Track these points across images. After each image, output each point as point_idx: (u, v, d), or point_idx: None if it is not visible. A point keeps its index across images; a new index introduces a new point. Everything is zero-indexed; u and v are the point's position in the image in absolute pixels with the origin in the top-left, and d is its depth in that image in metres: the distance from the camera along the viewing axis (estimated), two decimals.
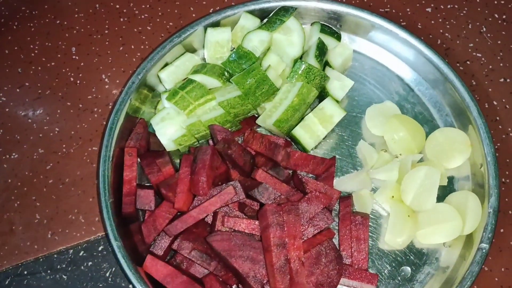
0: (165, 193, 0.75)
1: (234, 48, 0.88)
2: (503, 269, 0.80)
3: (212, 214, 0.75)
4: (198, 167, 0.74)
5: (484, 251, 0.74)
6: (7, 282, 0.78)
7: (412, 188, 0.79)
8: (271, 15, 0.88)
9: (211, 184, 0.74)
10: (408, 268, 0.79)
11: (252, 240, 0.72)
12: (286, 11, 0.87)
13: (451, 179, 0.83)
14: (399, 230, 0.78)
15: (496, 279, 0.80)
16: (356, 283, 0.75)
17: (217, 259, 0.72)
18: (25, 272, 0.79)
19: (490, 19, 0.97)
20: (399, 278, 0.78)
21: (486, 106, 0.90)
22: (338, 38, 0.88)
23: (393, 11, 0.97)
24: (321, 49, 0.85)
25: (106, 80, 0.91)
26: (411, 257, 0.79)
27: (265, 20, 0.88)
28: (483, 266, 0.79)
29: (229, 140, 0.77)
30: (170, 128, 0.82)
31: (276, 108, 0.81)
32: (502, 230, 0.82)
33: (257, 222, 0.72)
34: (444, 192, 0.82)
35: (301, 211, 0.73)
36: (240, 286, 0.74)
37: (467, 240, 0.78)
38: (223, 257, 0.70)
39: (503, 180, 0.85)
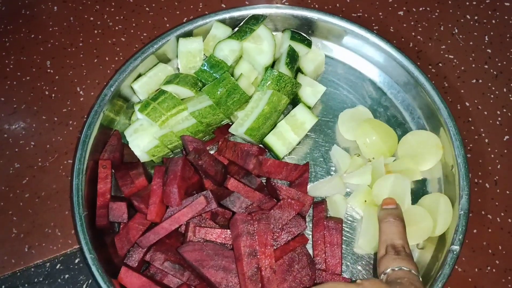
0: (137, 205, 0.75)
1: (206, 58, 0.88)
2: (476, 270, 0.81)
3: (185, 224, 0.76)
4: (170, 178, 0.74)
5: (455, 253, 0.75)
6: None
7: (383, 193, 0.80)
8: (241, 24, 0.89)
9: (183, 194, 0.75)
10: None
11: (224, 249, 0.72)
12: (256, 19, 0.87)
13: (424, 181, 0.84)
14: (372, 234, 0.79)
15: (470, 279, 0.80)
16: None
17: (190, 269, 0.73)
18: (3, 287, 0.80)
19: (462, 20, 0.98)
20: None
21: (459, 107, 0.91)
22: (309, 45, 0.89)
23: (366, 15, 0.98)
24: (292, 56, 0.86)
25: (81, 92, 0.92)
26: None
27: (235, 29, 0.89)
28: (456, 267, 0.80)
29: (199, 150, 0.77)
30: (143, 139, 0.82)
31: (248, 116, 0.82)
32: (475, 231, 0.83)
33: (228, 232, 0.73)
34: (417, 195, 0.83)
35: (273, 218, 0.74)
36: None
37: (439, 242, 0.79)
38: (196, 267, 0.71)
39: (476, 180, 0.86)
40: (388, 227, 0.73)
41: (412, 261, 0.68)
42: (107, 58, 0.95)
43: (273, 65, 0.88)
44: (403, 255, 0.68)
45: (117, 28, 0.97)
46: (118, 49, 0.95)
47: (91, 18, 0.98)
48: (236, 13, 0.89)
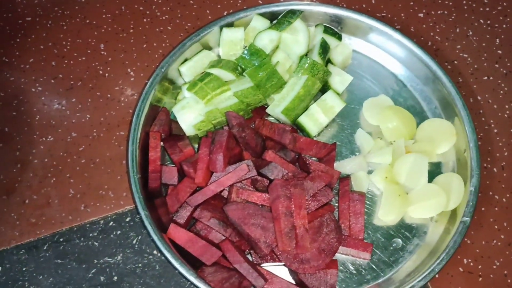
0: (187, 169, 0.85)
1: (246, 47, 0.98)
2: (483, 242, 0.90)
3: (228, 189, 0.86)
4: (216, 147, 0.84)
5: (466, 224, 0.84)
6: (45, 248, 0.89)
7: (403, 170, 0.90)
8: (279, 17, 0.99)
9: (227, 162, 0.85)
10: (399, 240, 0.89)
11: (263, 210, 0.82)
12: (293, 13, 0.98)
13: (438, 164, 0.94)
14: (391, 207, 0.88)
15: (477, 250, 0.90)
16: (353, 250, 0.85)
17: (232, 227, 0.83)
18: (61, 239, 0.89)
19: (476, 24, 1.08)
20: (391, 248, 0.89)
21: (471, 100, 1.01)
22: (339, 38, 0.99)
23: (389, 15, 1.08)
24: (324, 48, 0.96)
25: (132, 73, 1.02)
26: (402, 230, 0.90)
27: (274, 22, 0.99)
28: (465, 239, 0.90)
29: (243, 124, 0.87)
30: (190, 115, 0.92)
31: (284, 98, 0.92)
32: (483, 209, 0.92)
33: (267, 195, 0.83)
34: (432, 176, 0.92)
35: (305, 187, 0.84)
36: (251, 251, 0.84)
37: (451, 216, 0.88)
38: (238, 224, 0.81)
39: (485, 165, 0.96)
40: None
41: None
42: (155, 44, 1.05)
43: (306, 55, 0.98)
44: None
45: (164, 17, 1.07)
46: (165, 36, 1.06)
47: (141, 8, 1.08)
48: (274, 8, 0.99)
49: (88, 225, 0.90)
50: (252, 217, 0.81)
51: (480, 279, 0.88)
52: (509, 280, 0.89)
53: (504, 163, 0.96)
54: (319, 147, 0.92)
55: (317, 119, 0.93)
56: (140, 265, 0.87)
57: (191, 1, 1.09)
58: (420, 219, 0.90)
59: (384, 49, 1.02)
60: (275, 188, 0.81)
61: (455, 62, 1.04)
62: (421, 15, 1.08)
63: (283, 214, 0.79)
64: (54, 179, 0.93)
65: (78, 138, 0.97)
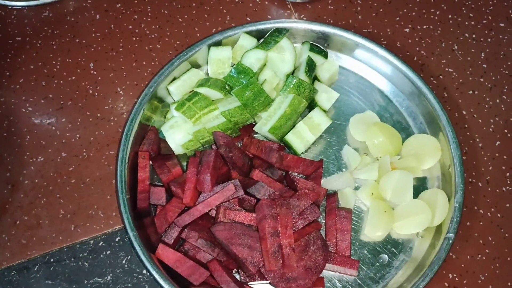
0: (175, 190, 0.86)
1: (234, 65, 1.00)
2: (468, 257, 0.92)
3: (215, 208, 0.87)
4: (203, 167, 0.85)
5: (450, 240, 0.86)
6: (36, 269, 0.90)
7: (389, 187, 0.91)
8: (266, 35, 1.00)
9: (214, 182, 0.86)
10: (386, 256, 0.90)
11: (250, 230, 0.83)
12: (279, 32, 0.99)
13: (424, 179, 0.95)
14: (377, 224, 0.90)
15: (462, 265, 0.91)
16: (340, 268, 0.86)
17: (220, 247, 0.84)
18: (52, 260, 0.90)
19: (461, 38, 1.09)
20: (377, 264, 0.90)
21: (456, 115, 1.02)
22: (325, 56, 1.00)
23: (375, 31, 1.09)
24: (310, 66, 0.97)
25: (121, 92, 1.03)
26: (389, 246, 0.91)
27: (261, 40, 1.00)
28: (451, 254, 0.91)
29: (230, 144, 0.88)
30: (178, 134, 0.93)
31: (271, 117, 0.93)
32: (468, 223, 0.94)
33: (254, 215, 0.84)
34: (418, 191, 0.94)
35: (292, 205, 0.85)
36: (239, 269, 0.85)
37: (436, 232, 0.90)
38: (225, 244, 0.82)
39: (470, 180, 0.97)
40: None
41: None
42: (144, 63, 1.06)
43: (293, 72, 0.99)
44: None
45: (153, 36, 1.08)
46: (154, 54, 1.07)
47: (130, 27, 1.09)
48: (261, 26, 1.01)
49: (78, 245, 0.91)
50: (239, 237, 0.82)
51: None
52: None
53: (489, 177, 0.97)
54: (306, 165, 0.93)
55: (304, 137, 0.95)
56: (129, 285, 0.88)
57: (180, 19, 1.10)
58: (406, 235, 0.91)
59: (371, 65, 1.03)
60: (261, 209, 0.82)
61: (441, 76, 1.06)
62: (407, 30, 1.10)
63: (270, 234, 0.80)
64: (44, 199, 0.94)
65: (68, 158, 0.98)
